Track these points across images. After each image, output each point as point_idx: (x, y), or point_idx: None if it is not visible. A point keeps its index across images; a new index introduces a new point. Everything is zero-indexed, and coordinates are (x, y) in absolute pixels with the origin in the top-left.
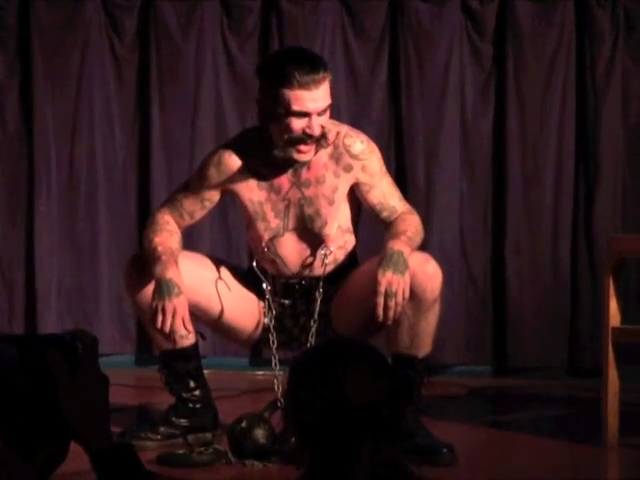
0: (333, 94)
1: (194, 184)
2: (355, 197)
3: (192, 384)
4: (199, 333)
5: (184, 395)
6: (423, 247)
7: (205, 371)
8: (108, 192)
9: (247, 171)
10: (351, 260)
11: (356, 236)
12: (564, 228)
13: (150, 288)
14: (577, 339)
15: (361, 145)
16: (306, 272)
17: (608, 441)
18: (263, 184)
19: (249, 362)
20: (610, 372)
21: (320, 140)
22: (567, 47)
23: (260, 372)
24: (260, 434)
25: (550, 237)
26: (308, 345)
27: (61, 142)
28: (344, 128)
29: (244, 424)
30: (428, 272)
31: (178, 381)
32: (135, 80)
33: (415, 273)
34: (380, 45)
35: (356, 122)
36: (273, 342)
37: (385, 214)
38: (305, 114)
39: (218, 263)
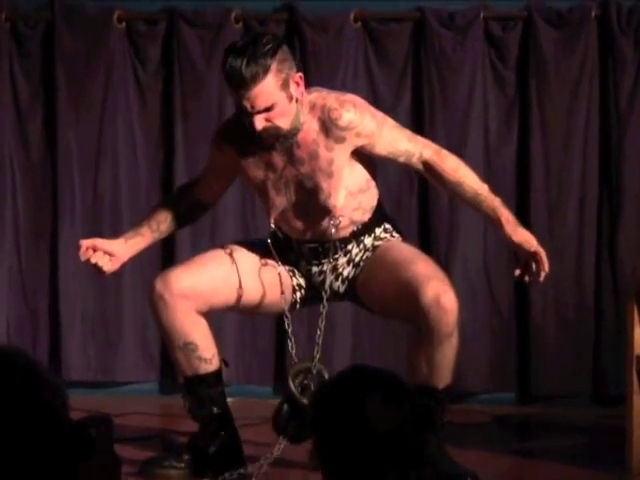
0: (288, 82)
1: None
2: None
3: (215, 410)
4: (223, 360)
5: (207, 422)
6: (446, 274)
7: (229, 399)
8: (132, 218)
9: (245, 148)
10: (374, 214)
11: (377, 186)
12: (588, 255)
13: (179, 317)
14: (601, 367)
15: (348, 114)
16: (324, 239)
17: (633, 468)
18: (260, 163)
19: (273, 390)
20: (634, 399)
21: (275, 131)
22: (590, 73)
23: None
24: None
25: (574, 264)
26: (326, 296)
27: (85, 169)
28: (329, 99)
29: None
30: (444, 306)
31: (201, 407)
32: (159, 107)
33: (430, 306)
34: (403, 72)
35: None
36: (288, 325)
37: (402, 159)
38: (246, 113)
39: (232, 254)
